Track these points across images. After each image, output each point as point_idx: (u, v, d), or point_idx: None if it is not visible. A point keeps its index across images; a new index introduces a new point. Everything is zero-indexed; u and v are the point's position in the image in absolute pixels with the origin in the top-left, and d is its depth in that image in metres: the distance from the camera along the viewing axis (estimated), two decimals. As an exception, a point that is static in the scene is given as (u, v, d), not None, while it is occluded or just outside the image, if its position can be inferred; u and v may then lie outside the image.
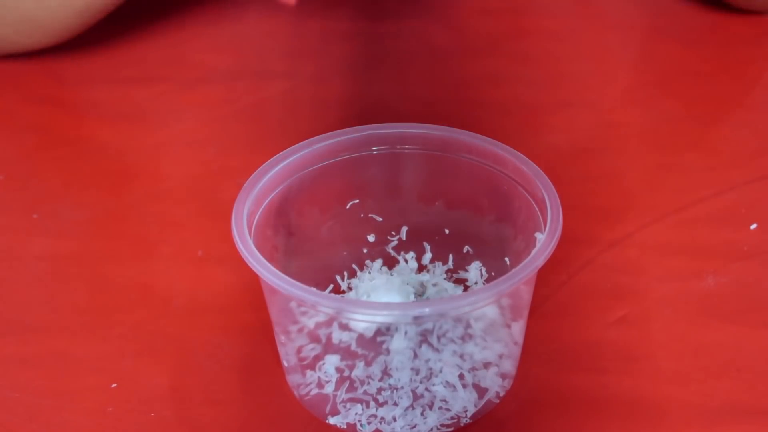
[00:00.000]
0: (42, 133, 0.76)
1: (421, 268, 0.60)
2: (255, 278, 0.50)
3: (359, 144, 0.56)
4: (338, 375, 0.53)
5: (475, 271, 0.58)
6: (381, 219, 0.58)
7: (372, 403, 0.52)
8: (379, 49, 0.86)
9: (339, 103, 0.77)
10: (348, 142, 0.56)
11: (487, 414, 0.53)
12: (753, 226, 0.65)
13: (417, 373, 0.53)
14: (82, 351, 0.58)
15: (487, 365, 0.53)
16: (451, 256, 0.59)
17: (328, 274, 0.59)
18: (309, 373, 0.53)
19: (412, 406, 0.52)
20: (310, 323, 0.52)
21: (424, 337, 0.53)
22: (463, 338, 0.53)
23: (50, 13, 0.66)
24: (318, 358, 0.53)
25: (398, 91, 0.80)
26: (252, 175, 0.53)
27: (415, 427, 0.52)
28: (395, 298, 0.57)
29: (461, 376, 0.52)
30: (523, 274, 0.47)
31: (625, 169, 0.70)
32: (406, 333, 0.53)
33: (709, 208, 0.67)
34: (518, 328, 0.53)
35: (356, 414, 0.52)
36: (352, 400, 0.53)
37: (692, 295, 0.60)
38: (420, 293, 0.59)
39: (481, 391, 0.53)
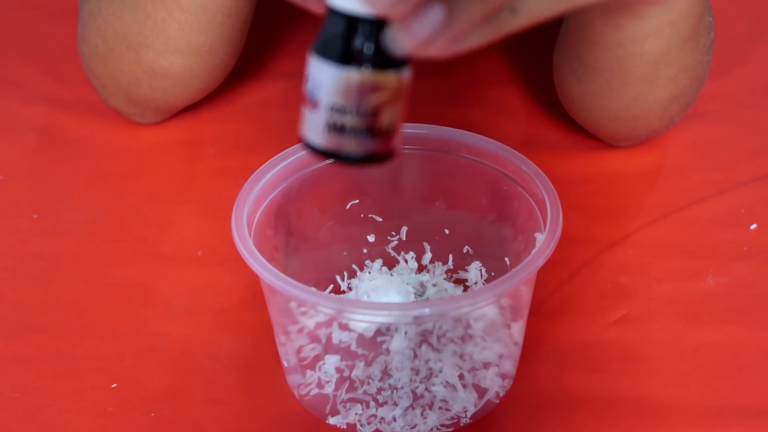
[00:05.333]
0: (42, 133, 0.76)
1: (421, 268, 0.60)
2: (255, 278, 0.50)
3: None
4: (338, 375, 0.53)
5: (475, 271, 0.58)
6: (381, 219, 0.58)
7: (372, 403, 0.52)
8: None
9: (339, 103, 0.76)
10: (348, 142, 0.56)
11: (487, 414, 0.53)
12: (753, 226, 0.65)
13: (417, 374, 0.53)
14: (82, 351, 0.58)
15: (487, 365, 0.53)
16: (451, 256, 0.59)
17: (328, 274, 0.59)
18: (309, 373, 0.53)
19: (412, 407, 0.52)
20: (310, 323, 0.52)
21: (424, 338, 0.53)
22: (463, 338, 0.53)
23: (188, 71, 0.69)
24: (318, 358, 0.53)
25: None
26: (252, 175, 0.53)
27: (415, 427, 0.52)
28: (395, 298, 0.57)
29: (461, 377, 0.52)
30: (523, 274, 0.47)
31: (625, 169, 0.70)
32: (406, 333, 0.53)
33: (709, 208, 0.67)
34: (518, 328, 0.53)
35: (356, 414, 0.52)
36: (352, 400, 0.53)
37: (692, 295, 0.60)
38: (420, 293, 0.59)
39: (481, 391, 0.53)
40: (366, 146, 0.36)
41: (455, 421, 0.52)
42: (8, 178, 0.72)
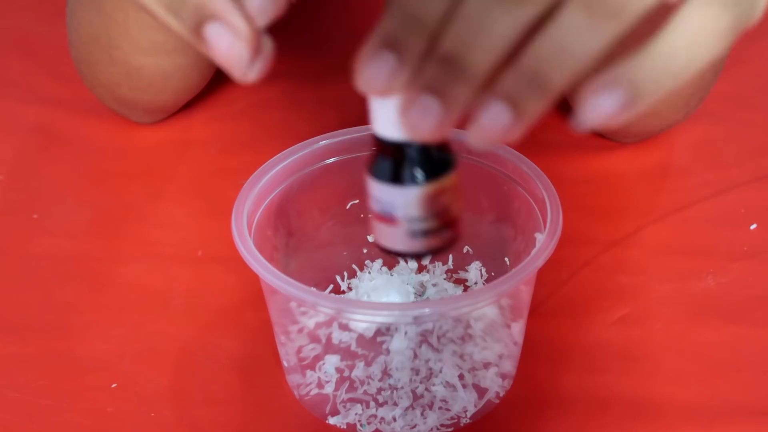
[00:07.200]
0: (42, 133, 0.76)
1: (421, 268, 0.60)
2: (255, 278, 0.50)
3: (359, 144, 0.56)
4: (338, 375, 0.53)
5: (475, 271, 0.58)
6: (381, 219, 0.58)
7: (372, 403, 0.52)
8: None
9: (339, 103, 0.77)
10: (348, 142, 0.56)
11: (487, 414, 0.53)
12: (753, 226, 0.65)
13: (417, 374, 0.53)
14: (82, 351, 0.58)
15: (487, 365, 0.53)
16: (451, 256, 0.59)
17: (328, 274, 0.59)
18: (309, 373, 0.53)
19: (412, 407, 0.52)
20: (310, 323, 0.52)
21: (424, 338, 0.53)
22: (463, 338, 0.53)
23: (181, 74, 0.69)
24: (318, 358, 0.53)
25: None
26: (252, 175, 0.53)
27: (415, 427, 0.52)
28: (395, 298, 0.57)
29: (461, 377, 0.52)
30: (523, 274, 0.47)
31: (626, 169, 0.70)
32: (406, 333, 0.53)
33: (709, 208, 0.67)
34: (518, 328, 0.53)
35: (356, 414, 0.52)
36: (352, 400, 0.53)
37: (692, 295, 0.60)
38: (420, 293, 0.59)
39: (481, 391, 0.53)
40: (446, 237, 0.39)
41: (455, 421, 0.52)
42: (8, 178, 0.72)
